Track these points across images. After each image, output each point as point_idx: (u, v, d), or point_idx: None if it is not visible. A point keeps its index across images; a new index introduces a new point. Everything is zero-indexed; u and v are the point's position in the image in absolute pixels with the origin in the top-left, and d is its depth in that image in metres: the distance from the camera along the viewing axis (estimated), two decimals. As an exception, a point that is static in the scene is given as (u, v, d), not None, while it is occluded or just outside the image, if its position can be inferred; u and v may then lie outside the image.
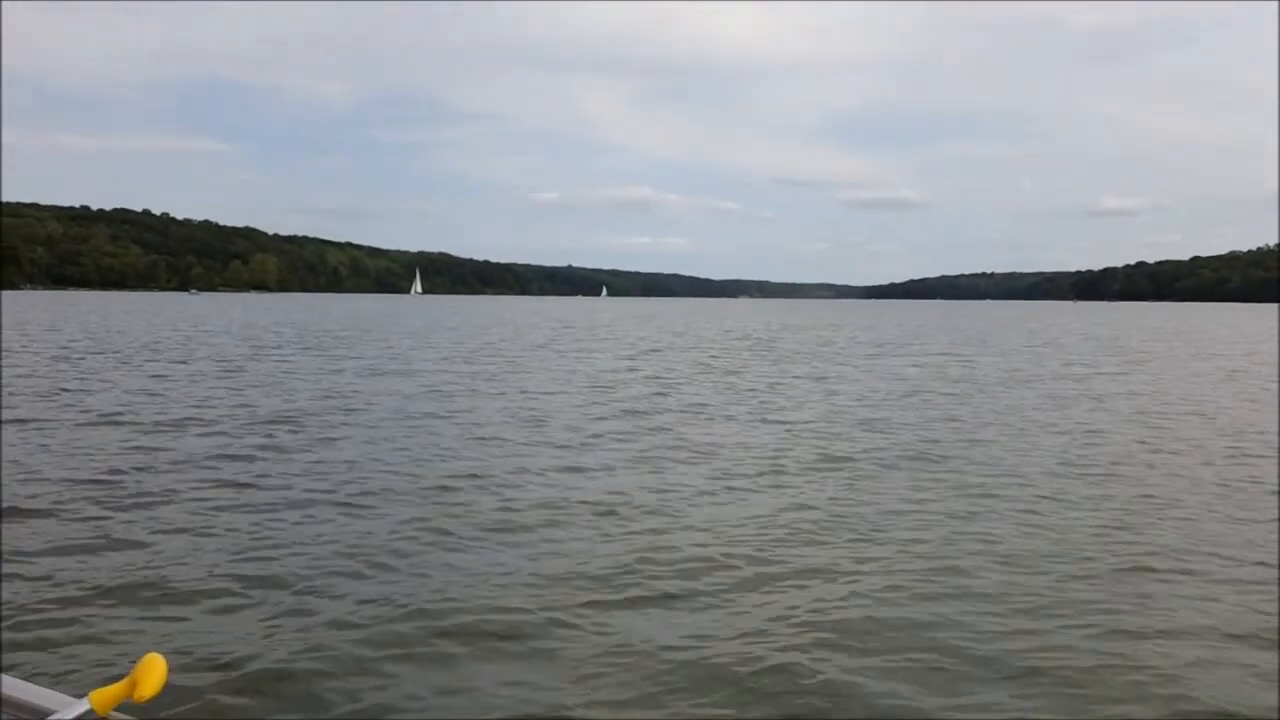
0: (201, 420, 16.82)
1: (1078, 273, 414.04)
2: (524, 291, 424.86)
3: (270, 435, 15.34)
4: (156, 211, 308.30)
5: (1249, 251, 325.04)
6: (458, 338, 50.21)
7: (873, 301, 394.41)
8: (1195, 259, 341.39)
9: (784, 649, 6.53)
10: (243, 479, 11.78)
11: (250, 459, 13.16)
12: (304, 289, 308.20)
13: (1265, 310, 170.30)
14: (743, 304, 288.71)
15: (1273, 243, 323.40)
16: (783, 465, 13.60)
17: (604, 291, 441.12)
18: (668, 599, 7.58)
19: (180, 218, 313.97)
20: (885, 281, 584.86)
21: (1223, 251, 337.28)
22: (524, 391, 22.91)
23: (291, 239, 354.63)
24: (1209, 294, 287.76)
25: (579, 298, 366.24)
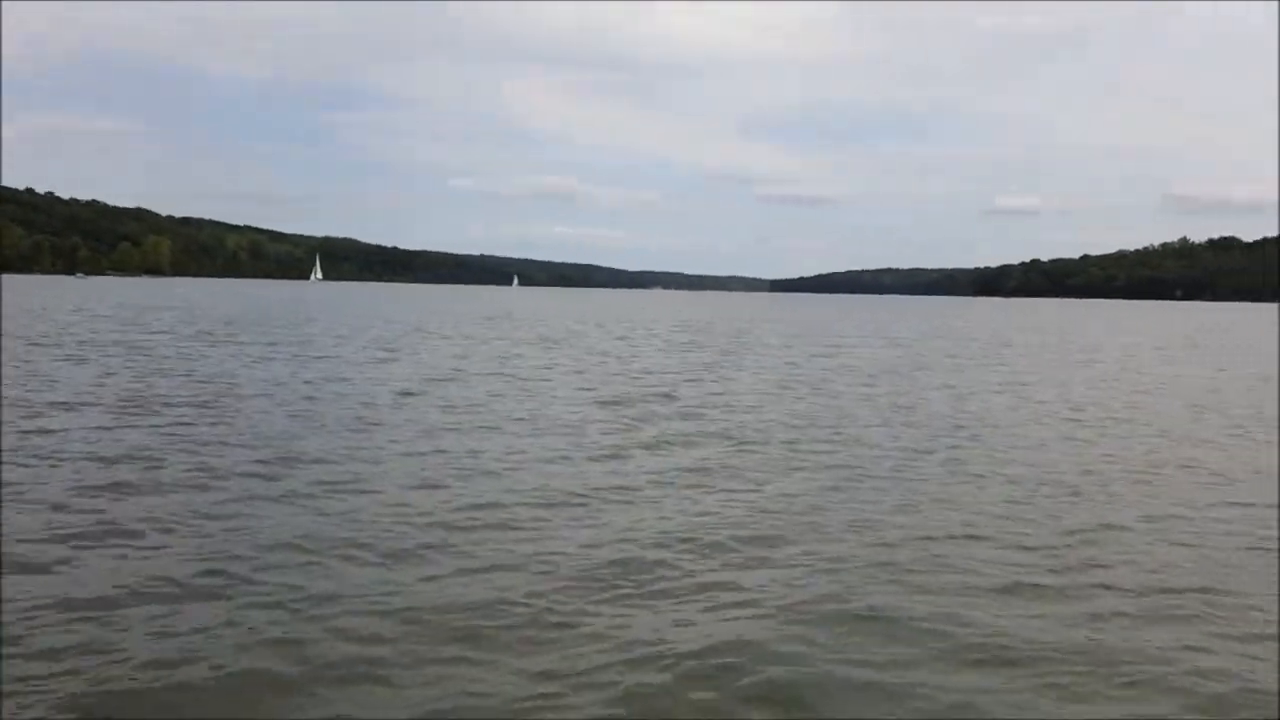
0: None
1: (977, 269, 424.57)
2: (434, 280, 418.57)
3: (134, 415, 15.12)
4: (42, 190, 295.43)
5: (1136, 251, 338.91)
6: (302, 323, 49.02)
7: (778, 295, 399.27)
8: (1086, 257, 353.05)
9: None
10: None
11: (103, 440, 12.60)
12: (200, 273, 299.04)
13: (1147, 306, 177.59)
14: (652, 295, 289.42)
15: (1158, 243, 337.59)
16: (630, 445, 13.43)
17: (515, 281, 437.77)
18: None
19: (66, 197, 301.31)
20: (794, 275, 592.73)
21: (1112, 251, 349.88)
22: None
23: (187, 221, 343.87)
24: (1098, 291, 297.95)
25: (489, 287, 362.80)
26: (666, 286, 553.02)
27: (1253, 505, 10.90)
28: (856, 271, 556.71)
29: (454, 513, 9.64)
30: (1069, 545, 9.04)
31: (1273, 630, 6.92)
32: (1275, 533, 9.62)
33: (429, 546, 8.46)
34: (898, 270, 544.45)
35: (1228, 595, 7.67)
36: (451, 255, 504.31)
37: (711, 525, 9.44)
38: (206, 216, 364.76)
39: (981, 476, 12.23)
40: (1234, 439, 16.20)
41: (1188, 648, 6.56)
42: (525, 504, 10.11)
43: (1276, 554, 8.87)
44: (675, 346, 38.29)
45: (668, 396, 20.21)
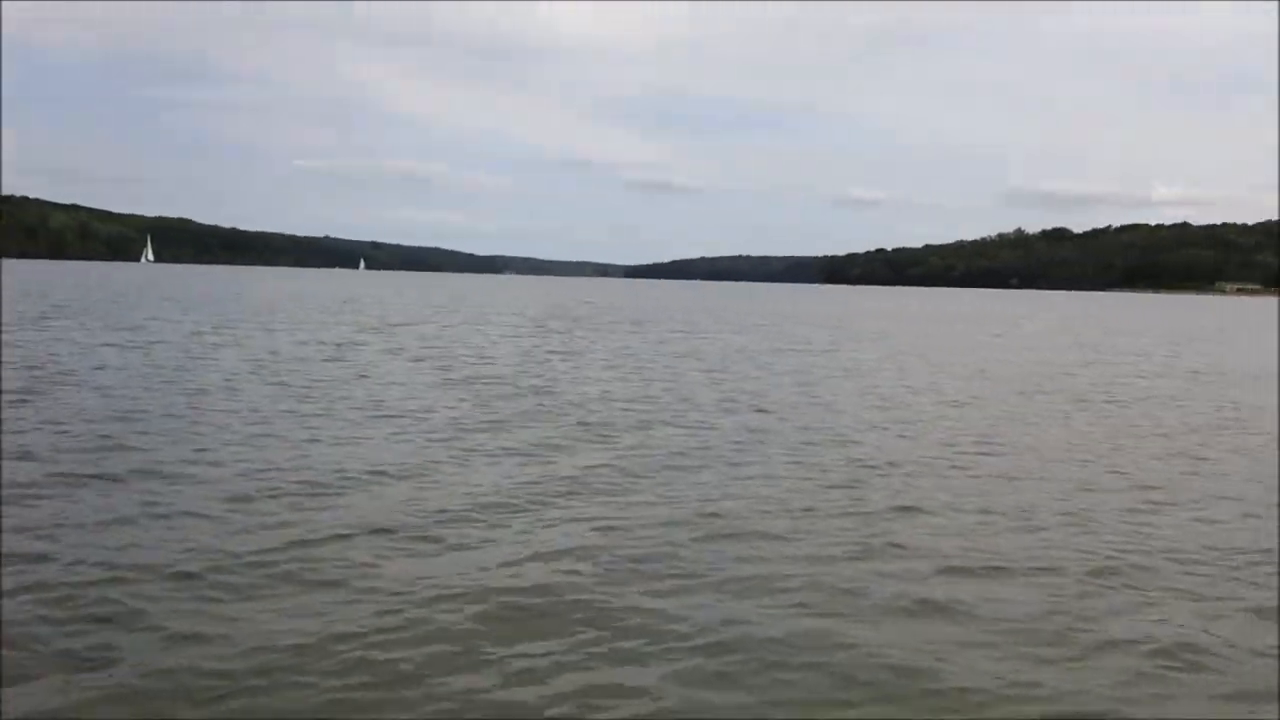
0: None
1: (825, 257, 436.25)
2: (276, 263, 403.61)
3: None
4: None
5: (974, 241, 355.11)
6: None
7: (634, 281, 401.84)
8: (927, 247, 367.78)
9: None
10: None
11: None
12: (23, 254, 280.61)
13: (984, 294, 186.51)
14: (505, 280, 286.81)
15: (995, 234, 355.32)
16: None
17: (361, 265, 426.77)
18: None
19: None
20: (650, 261, 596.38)
21: (951, 241, 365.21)
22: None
23: (9, 199, 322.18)
24: (939, 279, 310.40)
25: (334, 270, 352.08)
26: (520, 272, 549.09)
27: (1065, 482, 11.57)
28: (711, 258, 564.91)
29: (286, 497, 9.37)
30: (893, 518, 9.50)
31: (1071, 589, 7.49)
32: (1086, 502, 10.32)
33: (262, 527, 8.23)
34: (750, 257, 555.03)
35: (1041, 560, 8.19)
36: (295, 238, 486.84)
37: (546, 496, 9.75)
38: (31, 195, 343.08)
39: (823, 458, 12.59)
40: (1055, 421, 17.13)
41: (988, 599, 7.11)
42: (358, 489, 9.95)
43: (1088, 521, 9.48)
44: (525, 331, 38.09)
45: (515, 380, 20.09)
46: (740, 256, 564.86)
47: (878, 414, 17.02)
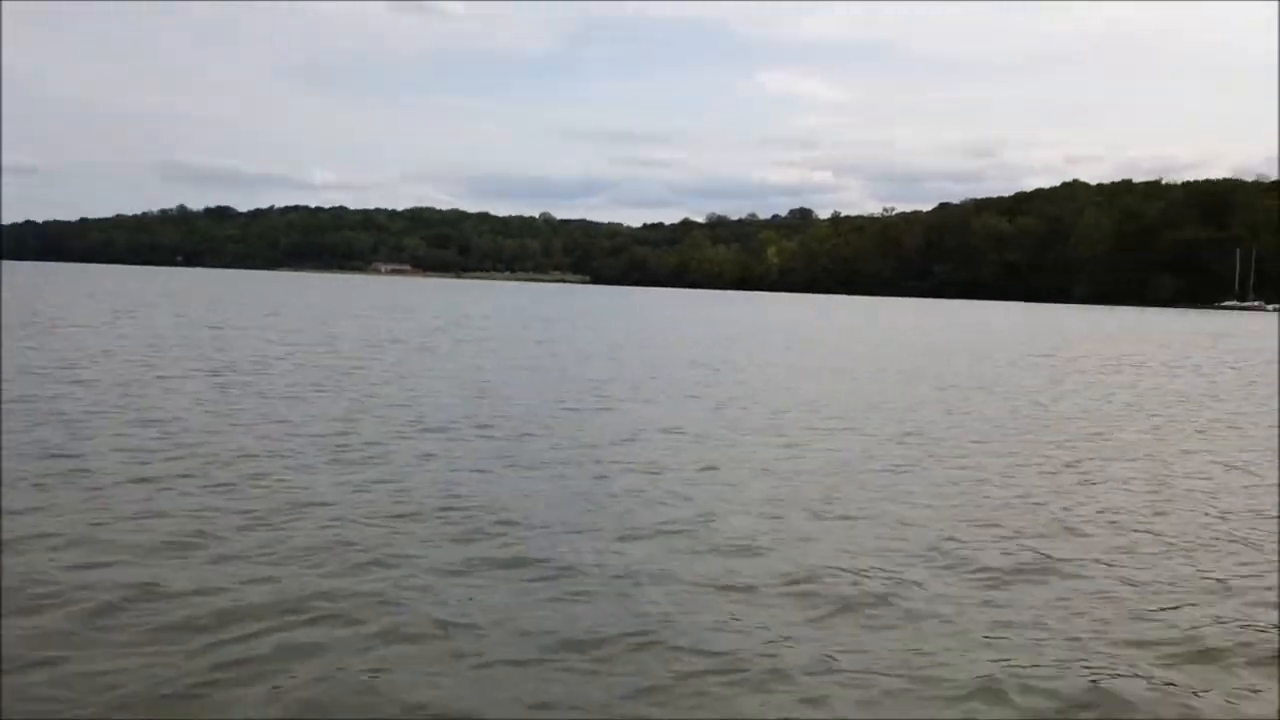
0: None
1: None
2: None
3: None
4: None
5: (134, 216, 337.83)
6: None
7: None
8: (84, 221, 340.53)
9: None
10: None
11: None
12: None
13: (150, 272, 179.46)
14: None
15: (158, 209, 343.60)
16: None
17: None
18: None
19: None
20: None
21: (111, 215, 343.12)
22: None
23: None
24: (99, 255, 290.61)
25: None
26: None
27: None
28: None
29: None
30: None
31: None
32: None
33: None
34: None
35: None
36: None
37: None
38: None
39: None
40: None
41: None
42: None
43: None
44: None
45: None
46: None
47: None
